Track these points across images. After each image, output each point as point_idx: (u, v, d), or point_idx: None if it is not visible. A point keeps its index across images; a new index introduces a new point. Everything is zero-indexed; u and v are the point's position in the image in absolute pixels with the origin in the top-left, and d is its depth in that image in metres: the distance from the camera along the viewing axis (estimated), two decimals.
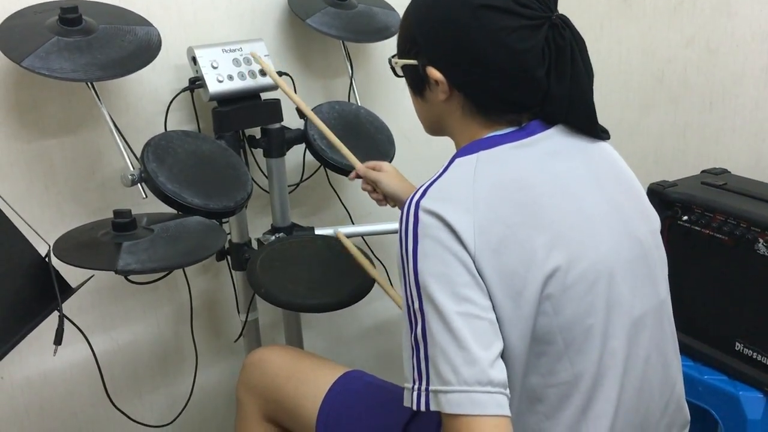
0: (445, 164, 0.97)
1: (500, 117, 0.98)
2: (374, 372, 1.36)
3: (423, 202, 0.90)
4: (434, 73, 0.97)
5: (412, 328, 0.90)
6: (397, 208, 1.45)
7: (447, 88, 0.98)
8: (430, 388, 0.87)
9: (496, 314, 0.88)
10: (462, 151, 0.98)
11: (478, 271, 0.87)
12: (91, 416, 1.65)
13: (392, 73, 1.08)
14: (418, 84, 1.03)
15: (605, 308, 0.93)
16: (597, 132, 1.00)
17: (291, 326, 1.74)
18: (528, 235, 0.89)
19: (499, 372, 0.86)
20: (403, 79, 1.08)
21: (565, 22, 0.94)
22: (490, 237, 0.88)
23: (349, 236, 1.68)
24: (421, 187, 0.93)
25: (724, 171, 1.60)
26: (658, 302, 1.00)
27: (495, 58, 0.93)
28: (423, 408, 0.87)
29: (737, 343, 1.45)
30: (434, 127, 1.08)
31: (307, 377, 1.29)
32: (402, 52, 1.04)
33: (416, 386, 0.88)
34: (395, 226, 1.67)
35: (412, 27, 1.00)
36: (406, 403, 0.90)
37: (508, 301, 0.88)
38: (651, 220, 1.03)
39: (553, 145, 0.97)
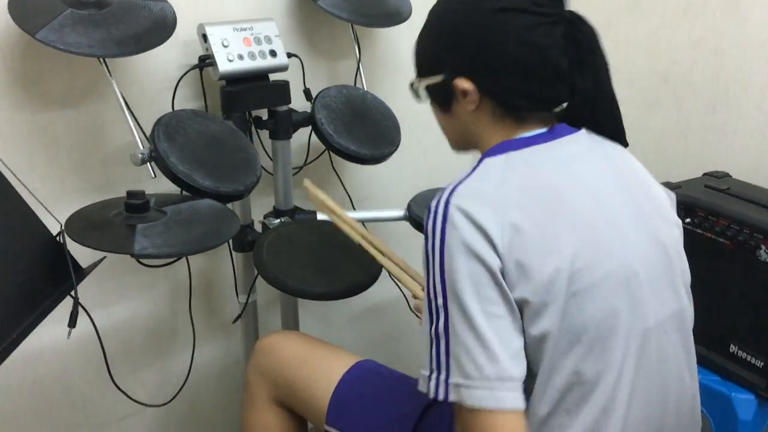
0: (474, 164, 0.98)
1: (530, 116, 1.00)
2: (363, 355, 1.36)
3: (453, 200, 0.92)
4: (463, 83, 0.99)
5: (432, 321, 0.92)
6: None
7: (477, 96, 0.99)
8: (451, 380, 0.90)
9: (522, 312, 0.90)
10: (490, 152, 1.00)
11: (504, 270, 0.89)
12: (85, 392, 1.63)
13: (414, 98, 1.10)
14: (445, 99, 1.05)
15: (628, 310, 0.94)
16: (622, 133, 1.04)
17: (288, 308, 1.74)
18: (555, 235, 0.91)
19: (518, 367, 0.90)
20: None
21: (577, 17, 0.98)
22: (517, 237, 0.89)
23: None
24: (449, 185, 0.95)
25: (726, 175, 1.62)
26: (678, 309, 1.01)
27: (521, 57, 0.96)
28: (441, 397, 0.91)
29: (732, 346, 1.48)
30: (462, 142, 1.09)
31: (320, 364, 1.29)
32: (425, 72, 1.06)
33: (434, 376, 0.92)
34: (394, 213, 1.69)
35: (434, 44, 1.03)
36: (422, 389, 0.94)
37: (535, 299, 0.89)
38: (673, 226, 1.04)
39: (578, 147, 1.00)
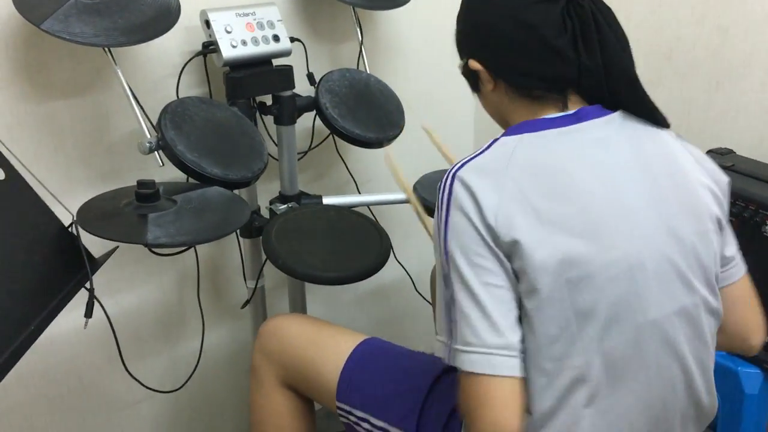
0: (489, 141, 0.99)
1: (544, 98, 1.00)
2: (370, 335, 1.38)
3: (459, 173, 0.95)
4: (474, 64, 1.03)
5: (445, 288, 0.96)
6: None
7: (489, 76, 1.03)
8: (453, 346, 0.95)
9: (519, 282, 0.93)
10: (509, 131, 1.01)
11: (499, 245, 0.91)
12: (96, 379, 1.64)
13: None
14: (472, 81, 1.08)
15: (628, 301, 0.93)
16: (654, 113, 1.00)
17: (295, 292, 1.75)
18: (553, 220, 0.91)
19: (516, 335, 0.92)
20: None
21: None
22: (513, 217, 0.91)
23: (354, 206, 1.69)
24: (460, 160, 0.97)
25: (730, 151, 1.63)
26: (691, 304, 0.98)
27: (514, 36, 0.98)
28: (451, 362, 0.95)
29: None
30: (499, 120, 1.10)
31: (327, 343, 1.30)
32: (459, 56, 1.10)
33: (447, 342, 0.96)
34: (399, 196, 1.69)
35: (457, 31, 1.09)
36: (438, 354, 0.98)
37: (529, 277, 0.91)
38: (701, 220, 0.99)
39: (603, 132, 0.98)
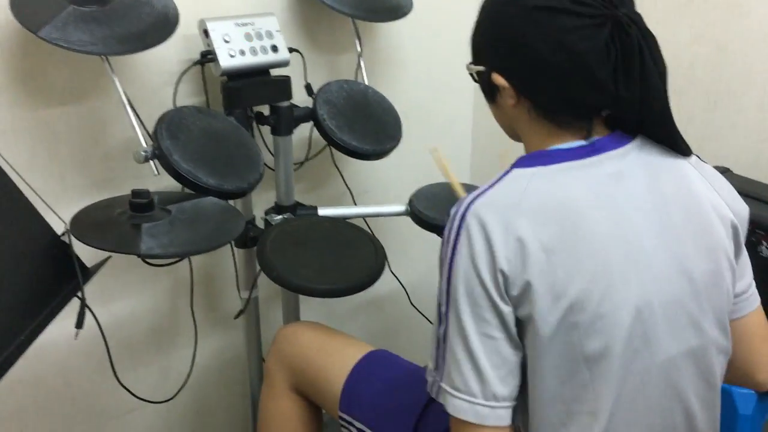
0: (501, 173, 0.95)
1: (569, 124, 0.95)
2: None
3: (471, 211, 0.91)
4: (499, 79, 0.96)
5: (439, 324, 0.94)
6: None
7: (513, 93, 0.96)
8: (441, 384, 0.94)
9: (525, 328, 0.91)
10: (521, 162, 0.96)
11: (508, 290, 0.89)
12: (87, 388, 1.63)
13: (472, 79, 1.06)
14: (489, 90, 1.01)
15: (635, 345, 0.91)
16: (678, 143, 0.96)
17: (289, 303, 1.74)
18: (564, 261, 0.88)
19: (506, 387, 0.92)
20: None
21: (631, 18, 0.89)
22: (525, 258, 0.88)
23: (350, 218, 1.69)
24: (472, 194, 0.93)
25: (727, 170, 1.62)
26: (699, 345, 0.96)
27: (554, 60, 0.90)
28: (434, 395, 0.96)
29: None
30: (511, 133, 1.06)
31: (336, 351, 1.31)
32: (473, 60, 1.03)
33: (434, 373, 0.96)
34: (395, 208, 1.69)
35: (477, 35, 1.01)
36: (427, 378, 0.98)
37: (539, 321, 0.89)
38: (715, 258, 0.96)
39: (619, 166, 0.94)
